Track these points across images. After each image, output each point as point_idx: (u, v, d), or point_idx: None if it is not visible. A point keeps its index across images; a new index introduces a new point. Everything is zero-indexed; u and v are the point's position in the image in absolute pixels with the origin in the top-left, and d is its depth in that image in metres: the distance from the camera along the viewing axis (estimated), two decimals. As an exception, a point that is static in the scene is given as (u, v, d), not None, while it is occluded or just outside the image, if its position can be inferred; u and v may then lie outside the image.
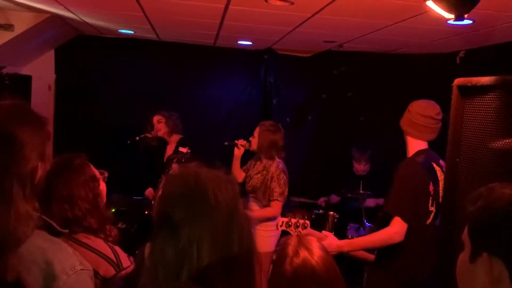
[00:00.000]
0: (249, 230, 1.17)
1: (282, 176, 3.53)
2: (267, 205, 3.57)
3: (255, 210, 3.61)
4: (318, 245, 1.45)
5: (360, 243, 2.61)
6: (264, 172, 3.57)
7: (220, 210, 1.11)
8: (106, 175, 1.94)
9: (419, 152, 2.57)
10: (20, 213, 1.08)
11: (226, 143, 3.78)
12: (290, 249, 1.43)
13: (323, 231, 2.72)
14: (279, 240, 2.79)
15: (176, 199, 1.12)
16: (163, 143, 4.40)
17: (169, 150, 4.32)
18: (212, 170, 1.18)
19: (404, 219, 2.40)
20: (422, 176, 2.49)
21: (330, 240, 2.52)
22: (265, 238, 3.55)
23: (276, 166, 3.55)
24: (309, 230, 2.60)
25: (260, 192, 3.58)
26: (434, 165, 2.59)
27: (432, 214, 2.57)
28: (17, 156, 1.11)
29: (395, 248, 2.44)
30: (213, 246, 1.07)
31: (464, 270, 0.95)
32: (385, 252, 2.53)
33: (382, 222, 2.53)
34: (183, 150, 3.74)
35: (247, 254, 1.13)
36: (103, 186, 1.89)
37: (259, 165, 3.67)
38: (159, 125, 4.29)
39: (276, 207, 3.53)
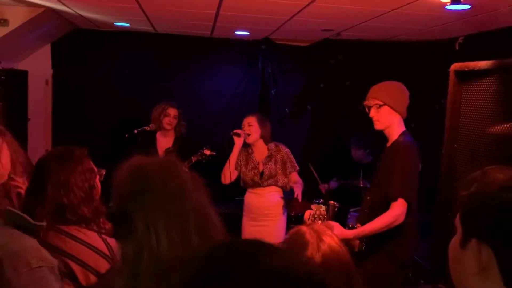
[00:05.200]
0: (206, 213, 1.18)
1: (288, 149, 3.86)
2: (288, 182, 3.75)
3: (300, 196, 3.63)
4: (331, 233, 1.43)
5: (367, 230, 2.58)
6: (275, 153, 3.77)
7: (170, 193, 1.13)
8: (103, 173, 1.95)
9: (405, 133, 2.59)
10: None
11: (235, 131, 3.76)
12: (309, 237, 1.35)
13: (329, 221, 2.72)
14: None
15: (126, 192, 1.15)
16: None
17: (162, 141, 4.19)
18: (157, 159, 1.23)
19: (407, 200, 2.43)
20: (417, 156, 2.53)
21: (337, 230, 2.53)
22: (276, 230, 3.65)
23: (282, 144, 3.83)
24: (325, 222, 2.62)
25: (279, 174, 3.75)
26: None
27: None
28: None
29: (391, 229, 2.45)
30: (169, 228, 1.09)
31: (455, 255, 0.94)
32: (380, 234, 2.53)
33: (376, 206, 2.53)
34: (207, 152, 3.86)
35: (205, 234, 1.14)
36: (98, 183, 1.90)
37: (260, 153, 3.75)
38: (174, 120, 4.14)
39: (298, 177, 3.77)
